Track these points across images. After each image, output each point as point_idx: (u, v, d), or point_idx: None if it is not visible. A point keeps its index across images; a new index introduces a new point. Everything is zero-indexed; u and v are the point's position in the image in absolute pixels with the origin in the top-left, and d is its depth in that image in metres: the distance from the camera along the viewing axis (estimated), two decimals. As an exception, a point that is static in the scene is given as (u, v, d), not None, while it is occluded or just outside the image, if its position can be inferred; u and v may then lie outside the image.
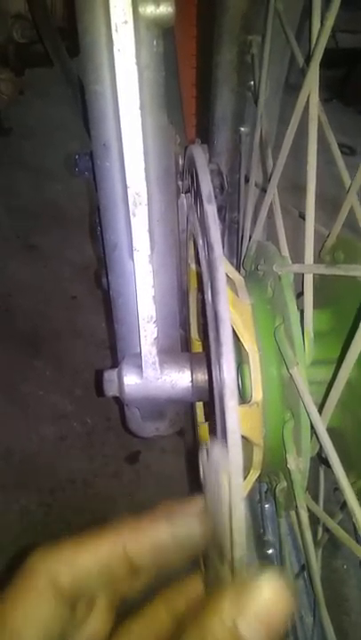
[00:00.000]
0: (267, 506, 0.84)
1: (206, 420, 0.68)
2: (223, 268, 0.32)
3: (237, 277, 0.48)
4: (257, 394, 0.43)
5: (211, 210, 0.36)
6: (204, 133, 0.84)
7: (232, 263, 0.79)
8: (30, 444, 1.01)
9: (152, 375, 0.52)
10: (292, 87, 0.66)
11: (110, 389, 0.53)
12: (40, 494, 0.94)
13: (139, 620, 0.33)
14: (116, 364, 0.56)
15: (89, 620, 0.32)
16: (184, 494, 0.96)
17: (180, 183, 0.61)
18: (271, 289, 0.46)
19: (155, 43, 0.42)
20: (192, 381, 0.53)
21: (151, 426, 0.60)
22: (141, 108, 0.43)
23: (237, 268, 0.66)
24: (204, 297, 0.46)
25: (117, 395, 0.54)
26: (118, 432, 1.02)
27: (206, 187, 0.38)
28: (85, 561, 0.30)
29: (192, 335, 0.68)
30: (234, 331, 0.44)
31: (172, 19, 0.41)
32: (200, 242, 0.44)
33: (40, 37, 0.76)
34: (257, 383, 0.43)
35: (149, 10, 0.40)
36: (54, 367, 1.15)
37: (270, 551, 0.83)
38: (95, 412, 1.07)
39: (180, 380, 0.53)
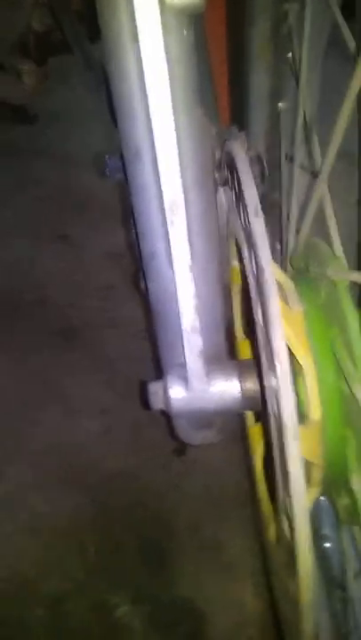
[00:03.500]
0: (322, 498, 0.81)
1: (257, 421, 0.65)
2: (276, 297, 0.29)
3: (286, 281, 0.45)
4: (315, 412, 0.40)
5: (259, 225, 0.32)
6: (238, 112, 0.79)
7: (274, 248, 0.74)
8: (75, 439, 1.01)
9: (199, 387, 0.49)
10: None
11: (156, 403, 0.51)
12: (89, 490, 0.94)
13: None
14: (155, 358, 0.53)
15: None
16: (233, 486, 0.95)
17: (217, 175, 0.57)
18: (325, 294, 0.42)
19: (185, 33, 0.38)
20: (241, 392, 0.50)
21: (200, 434, 0.58)
22: (174, 108, 0.39)
23: (282, 265, 0.62)
24: (252, 307, 0.43)
25: (163, 408, 0.51)
26: (163, 424, 1.00)
27: (253, 200, 0.34)
28: None
29: (237, 334, 0.65)
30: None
31: (203, 5, 0.36)
32: (245, 253, 0.41)
33: (59, 24, 0.72)
34: (315, 400, 0.40)
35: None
36: (93, 360, 1.14)
37: (328, 544, 0.81)
38: (137, 405, 1.05)
39: (228, 390, 0.50)
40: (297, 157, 0.56)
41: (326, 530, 0.82)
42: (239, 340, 0.65)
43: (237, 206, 0.44)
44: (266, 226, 0.58)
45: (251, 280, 0.39)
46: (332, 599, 0.63)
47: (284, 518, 0.33)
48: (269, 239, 0.39)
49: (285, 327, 0.40)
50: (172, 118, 0.39)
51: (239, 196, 0.39)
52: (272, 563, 0.62)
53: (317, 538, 0.83)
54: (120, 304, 1.23)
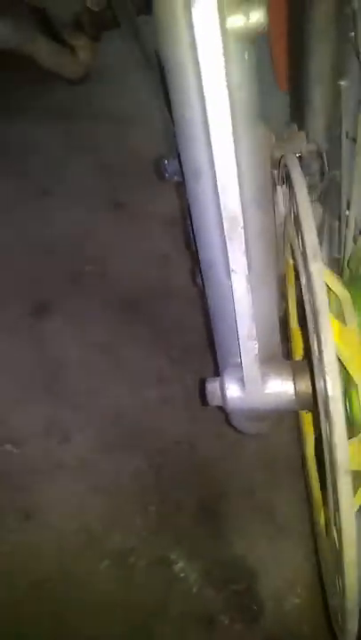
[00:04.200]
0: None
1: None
2: (333, 342, 0.30)
3: (343, 292, 0.46)
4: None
5: (316, 270, 0.33)
6: (298, 89, 0.76)
7: (332, 229, 0.74)
8: (135, 407, 1.07)
9: (254, 388, 0.52)
10: None
11: (213, 400, 0.54)
12: (149, 456, 1.01)
13: None
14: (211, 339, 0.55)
15: None
16: (285, 454, 0.98)
17: (274, 172, 0.57)
18: None
19: (246, 57, 0.38)
20: (295, 393, 0.52)
21: (255, 426, 0.61)
22: (234, 131, 0.39)
23: (340, 250, 0.61)
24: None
25: (220, 405, 0.54)
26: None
27: (311, 243, 0.35)
28: None
29: (292, 325, 0.66)
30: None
31: (264, 28, 0.36)
32: (302, 279, 0.41)
33: (110, 3, 0.71)
34: (367, 415, 0.42)
35: (238, 23, 0.36)
36: (151, 329, 1.18)
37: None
38: (194, 374, 1.09)
39: (282, 392, 0.52)
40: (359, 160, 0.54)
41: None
42: (294, 329, 0.66)
43: (295, 223, 0.45)
44: (325, 205, 0.57)
45: (306, 301, 0.40)
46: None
47: (333, 528, 0.36)
48: (325, 250, 0.40)
49: (342, 349, 0.42)
50: (232, 142, 0.40)
51: (296, 223, 0.40)
52: (321, 545, 0.66)
53: None
54: (176, 273, 1.25)
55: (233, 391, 0.52)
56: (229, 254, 0.45)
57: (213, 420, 1.04)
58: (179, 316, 1.19)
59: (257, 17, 0.35)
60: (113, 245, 1.33)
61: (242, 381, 0.52)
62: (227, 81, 0.37)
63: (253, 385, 0.52)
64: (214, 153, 0.40)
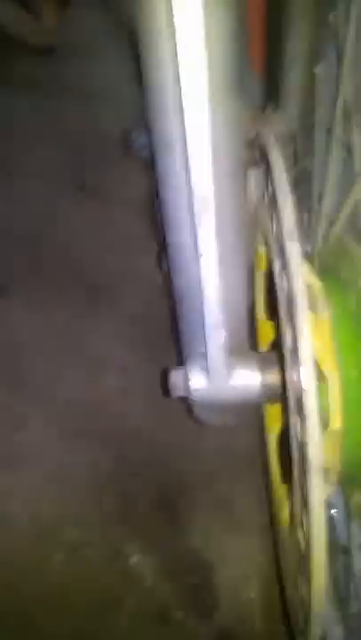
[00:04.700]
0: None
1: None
2: (309, 334, 0.28)
3: (315, 283, 0.43)
4: (335, 421, 0.40)
5: (295, 251, 0.31)
6: (273, 72, 0.74)
7: (300, 220, 0.72)
8: (94, 396, 1.04)
9: (220, 379, 0.50)
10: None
11: (176, 391, 0.52)
12: (107, 446, 0.98)
13: None
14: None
15: None
16: (245, 447, 0.97)
17: (247, 156, 0.54)
18: (356, 302, 0.41)
19: (227, 15, 0.35)
20: (262, 385, 0.50)
21: (219, 418, 0.59)
22: (210, 98, 0.36)
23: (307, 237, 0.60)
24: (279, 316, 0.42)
25: (184, 396, 0.52)
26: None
27: (289, 222, 0.32)
28: None
29: (258, 316, 0.64)
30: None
31: None
32: (276, 265, 0.39)
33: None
34: (336, 410, 0.40)
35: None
36: (113, 315, 1.14)
37: (334, 512, 0.84)
38: (156, 363, 1.07)
39: (249, 383, 0.50)
40: (334, 142, 0.52)
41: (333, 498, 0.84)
42: (260, 320, 0.64)
43: (269, 208, 0.42)
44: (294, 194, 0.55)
45: (280, 288, 0.38)
46: (335, 563, 0.66)
47: (299, 528, 0.34)
48: (299, 233, 0.38)
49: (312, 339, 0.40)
50: (208, 111, 0.37)
51: (273, 204, 0.38)
52: (281, 541, 0.65)
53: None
54: (143, 258, 1.21)
55: (197, 382, 0.50)
56: (198, 237, 0.43)
57: (174, 411, 1.02)
58: (143, 302, 1.16)
59: None
60: (77, 230, 1.28)
61: (207, 372, 0.50)
62: (203, 33, 0.34)
63: (219, 376, 0.49)
64: (187, 123, 0.37)
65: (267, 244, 0.54)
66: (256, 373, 0.50)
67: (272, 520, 0.85)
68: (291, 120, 0.70)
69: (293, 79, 0.69)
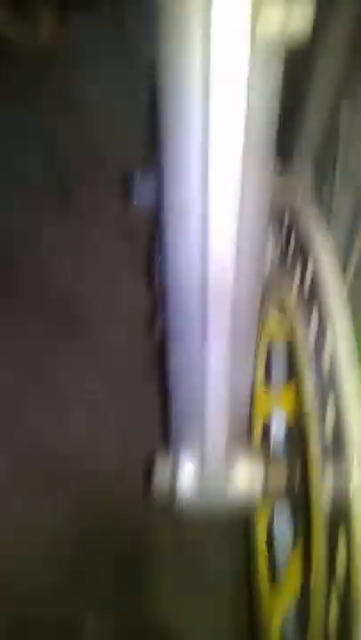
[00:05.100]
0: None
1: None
2: None
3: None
4: None
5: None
6: (290, 101, 0.67)
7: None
8: (59, 436, 0.94)
9: (215, 479, 0.42)
10: None
11: (161, 486, 0.44)
12: (68, 495, 0.88)
13: None
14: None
15: None
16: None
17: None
18: None
19: (276, 71, 0.27)
20: (266, 488, 0.42)
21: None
22: (243, 165, 0.29)
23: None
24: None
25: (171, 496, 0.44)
26: (154, 429, 0.93)
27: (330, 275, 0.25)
28: None
29: (257, 386, 0.57)
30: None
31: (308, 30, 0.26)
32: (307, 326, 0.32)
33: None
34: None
35: (274, 24, 0.25)
36: (89, 348, 1.05)
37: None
38: (129, 404, 0.98)
39: (251, 487, 0.42)
40: None
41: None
42: (258, 392, 0.57)
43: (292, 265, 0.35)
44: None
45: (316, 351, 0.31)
46: None
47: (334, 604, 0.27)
48: None
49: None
50: (239, 178, 0.29)
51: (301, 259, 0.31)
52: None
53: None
54: (125, 287, 1.13)
55: (188, 479, 0.42)
56: (209, 317, 0.35)
57: (145, 459, 0.93)
58: (121, 337, 1.07)
59: (302, 15, 0.25)
60: (55, 248, 1.19)
61: (201, 468, 0.42)
62: (247, 100, 0.26)
63: (214, 473, 0.42)
64: (211, 189, 0.30)
65: (284, 309, 0.46)
66: (260, 474, 0.42)
67: (251, 601, 0.77)
68: (304, 162, 0.63)
69: (314, 117, 0.63)
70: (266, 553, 0.54)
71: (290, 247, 0.40)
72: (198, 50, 0.26)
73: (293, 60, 0.29)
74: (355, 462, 0.27)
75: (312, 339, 0.36)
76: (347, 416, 0.29)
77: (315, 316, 0.35)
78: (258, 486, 0.42)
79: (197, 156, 0.29)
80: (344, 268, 0.53)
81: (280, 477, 0.42)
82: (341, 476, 0.29)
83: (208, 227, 0.31)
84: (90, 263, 1.17)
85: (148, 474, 0.44)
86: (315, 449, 0.34)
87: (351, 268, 0.52)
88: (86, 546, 0.86)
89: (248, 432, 0.46)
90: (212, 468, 0.42)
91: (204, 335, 0.36)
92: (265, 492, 0.42)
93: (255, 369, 0.54)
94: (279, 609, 0.47)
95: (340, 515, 0.29)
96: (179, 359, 0.41)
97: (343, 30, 0.52)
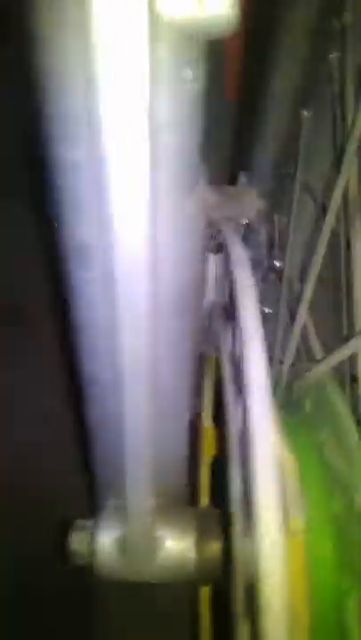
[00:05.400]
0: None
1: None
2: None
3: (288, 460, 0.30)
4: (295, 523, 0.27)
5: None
6: (249, 105, 0.60)
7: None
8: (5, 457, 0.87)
9: (140, 547, 0.36)
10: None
11: (78, 558, 0.37)
12: (17, 522, 0.81)
13: None
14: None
15: None
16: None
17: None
18: (311, 403, 0.30)
19: (189, 74, 0.20)
20: (199, 562, 0.36)
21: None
22: (153, 197, 0.22)
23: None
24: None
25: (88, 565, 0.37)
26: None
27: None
28: None
29: (204, 424, 0.50)
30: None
31: (233, 20, 0.19)
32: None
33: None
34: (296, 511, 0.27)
35: (184, 6, 0.18)
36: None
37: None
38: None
39: (180, 554, 0.36)
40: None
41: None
42: (205, 427, 0.51)
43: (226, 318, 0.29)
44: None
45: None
46: None
47: None
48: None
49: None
50: (148, 213, 0.23)
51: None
52: None
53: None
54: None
55: (108, 554, 0.36)
56: (125, 405, 0.29)
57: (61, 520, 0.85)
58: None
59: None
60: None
61: (123, 541, 0.35)
62: (149, 119, 0.19)
63: (139, 540, 0.36)
64: (114, 227, 0.23)
65: (218, 349, 0.40)
66: (192, 547, 0.36)
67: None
68: (263, 171, 0.57)
69: (274, 120, 0.56)
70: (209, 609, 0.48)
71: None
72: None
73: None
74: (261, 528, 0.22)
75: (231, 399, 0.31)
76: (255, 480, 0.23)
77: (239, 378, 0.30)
78: (189, 561, 0.36)
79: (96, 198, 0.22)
80: (303, 280, 0.47)
81: (215, 549, 0.36)
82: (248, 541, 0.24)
83: (116, 288, 0.24)
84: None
85: (65, 535, 0.37)
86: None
87: (310, 286, 0.46)
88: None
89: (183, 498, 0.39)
90: (135, 539, 0.35)
91: (119, 395, 0.29)
92: (198, 566, 0.36)
93: (204, 408, 0.48)
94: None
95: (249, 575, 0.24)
96: (95, 416, 0.34)
97: (302, 39, 0.45)
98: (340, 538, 0.28)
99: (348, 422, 0.32)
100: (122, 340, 0.27)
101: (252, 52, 0.57)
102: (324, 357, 0.36)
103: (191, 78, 0.21)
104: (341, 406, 0.30)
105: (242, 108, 0.66)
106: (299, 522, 0.27)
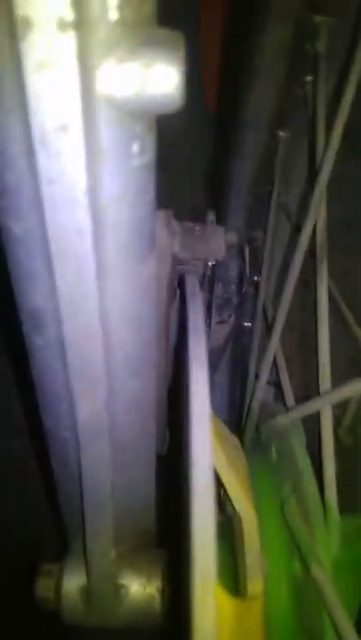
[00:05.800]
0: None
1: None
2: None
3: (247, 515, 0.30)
4: (255, 586, 0.27)
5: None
6: (227, 126, 0.59)
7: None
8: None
9: (103, 595, 0.35)
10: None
11: (46, 602, 0.37)
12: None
13: None
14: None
15: None
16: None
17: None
18: (276, 452, 0.30)
19: (136, 149, 0.19)
20: (164, 604, 0.36)
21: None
22: (98, 273, 0.21)
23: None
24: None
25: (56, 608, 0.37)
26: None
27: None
28: None
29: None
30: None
31: (180, 99, 0.18)
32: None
33: None
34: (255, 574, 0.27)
35: (126, 87, 0.17)
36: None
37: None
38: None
39: (146, 600, 0.36)
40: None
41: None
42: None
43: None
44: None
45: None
46: None
47: None
48: None
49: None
50: (95, 283, 0.22)
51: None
52: None
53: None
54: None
55: (73, 601, 0.35)
56: (82, 450, 0.28)
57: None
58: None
59: (168, 77, 0.16)
60: None
61: (87, 589, 0.35)
62: (90, 197, 0.18)
63: (102, 598, 0.35)
64: (59, 295, 0.22)
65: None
66: (157, 592, 0.35)
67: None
68: (240, 190, 0.56)
69: (250, 141, 0.55)
70: None
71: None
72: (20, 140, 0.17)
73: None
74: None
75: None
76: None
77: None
78: (155, 607, 0.35)
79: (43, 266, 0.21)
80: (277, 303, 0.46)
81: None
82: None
83: (62, 334, 0.23)
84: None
85: (33, 577, 0.37)
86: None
87: (285, 309, 0.45)
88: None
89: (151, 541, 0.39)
90: (98, 588, 0.35)
91: (76, 447, 0.28)
92: (164, 611, 0.35)
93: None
94: None
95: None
96: (56, 467, 0.33)
97: (278, 61, 0.44)
98: (297, 599, 0.28)
99: (309, 481, 0.31)
100: (76, 405, 0.26)
101: (228, 74, 0.56)
102: (293, 407, 0.35)
103: (139, 152, 0.20)
104: (303, 461, 0.30)
105: (220, 126, 0.65)
106: (258, 585, 0.26)
